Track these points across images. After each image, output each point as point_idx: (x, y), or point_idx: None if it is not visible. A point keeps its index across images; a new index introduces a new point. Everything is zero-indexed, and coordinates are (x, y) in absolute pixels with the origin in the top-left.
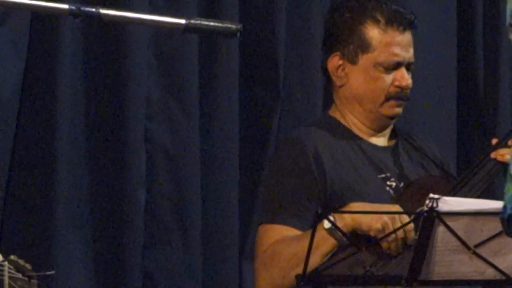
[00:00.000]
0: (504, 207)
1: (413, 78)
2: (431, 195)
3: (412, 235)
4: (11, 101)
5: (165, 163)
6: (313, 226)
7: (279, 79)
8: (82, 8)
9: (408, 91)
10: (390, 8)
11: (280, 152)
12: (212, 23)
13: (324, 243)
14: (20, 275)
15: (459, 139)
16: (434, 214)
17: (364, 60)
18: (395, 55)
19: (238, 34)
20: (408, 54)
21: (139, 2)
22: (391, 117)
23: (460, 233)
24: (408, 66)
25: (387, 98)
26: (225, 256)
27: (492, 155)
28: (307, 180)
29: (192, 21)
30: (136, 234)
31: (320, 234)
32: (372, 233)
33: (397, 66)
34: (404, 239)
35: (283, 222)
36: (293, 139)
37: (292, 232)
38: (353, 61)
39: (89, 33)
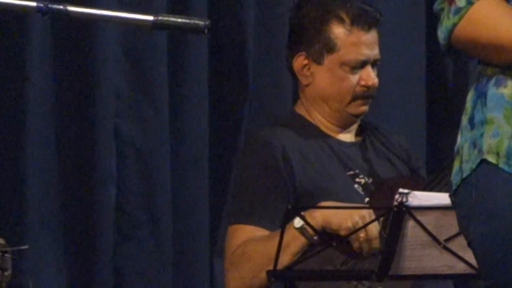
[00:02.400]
0: (450, 183)
1: (382, 72)
2: (401, 190)
3: (377, 243)
4: None
5: (135, 159)
6: (283, 223)
7: (248, 75)
8: (50, 6)
9: (375, 89)
10: (355, 6)
11: (248, 152)
12: (180, 20)
13: (294, 242)
14: None
15: (429, 134)
16: (404, 208)
17: (330, 60)
18: (361, 54)
19: (206, 30)
20: (373, 52)
21: None
22: (358, 116)
23: (430, 227)
24: (373, 64)
25: (354, 98)
26: (196, 253)
27: None
28: (275, 180)
29: (160, 18)
30: (107, 230)
31: (290, 233)
32: (342, 232)
33: (363, 65)
34: (374, 240)
35: (253, 222)
36: (260, 138)
37: (262, 232)
38: (318, 61)
39: (57, 30)
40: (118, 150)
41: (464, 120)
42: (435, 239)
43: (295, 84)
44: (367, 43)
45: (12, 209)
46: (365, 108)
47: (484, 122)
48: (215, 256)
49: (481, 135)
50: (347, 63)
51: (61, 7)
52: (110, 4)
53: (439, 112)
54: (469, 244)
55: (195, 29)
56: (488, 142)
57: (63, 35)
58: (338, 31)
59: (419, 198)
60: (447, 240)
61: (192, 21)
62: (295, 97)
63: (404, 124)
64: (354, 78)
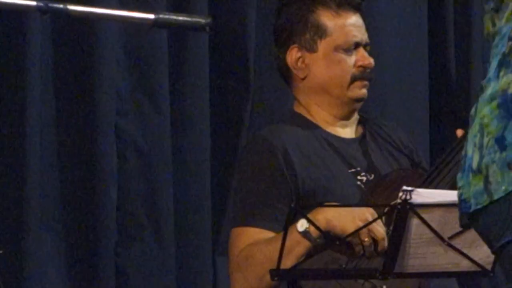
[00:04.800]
0: (465, 201)
1: (384, 66)
2: (404, 187)
3: (385, 244)
4: None
5: (137, 159)
6: (286, 223)
7: (250, 74)
8: (50, 5)
9: (372, 70)
10: None
11: (249, 153)
12: (181, 18)
13: (298, 245)
14: None
15: (431, 128)
16: (408, 206)
17: (323, 45)
18: (353, 36)
19: (208, 28)
20: (364, 35)
21: None
22: (359, 100)
23: (434, 225)
24: (365, 47)
25: (353, 80)
26: (199, 252)
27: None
28: (277, 180)
29: (161, 16)
30: (109, 230)
31: (294, 236)
32: (346, 236)
33: (356, 47)
34: (381, 241)
35: (255, 224)
36: (261, 139)
37: (265, 234)
38: (312, 49)
39: (57, 29)
40: (119, 150)
41: (487, 139)
42: (439, 236)
43: (288, 84)
44: (355, 25)
45: (13, 210)
46: (364, 91)
47: None
48: (217, 255)
49: None
50: (341, 45)
51: (61, 6)
52: (110, 3)
53: (442, 107)
54: (497, 251)
55: (197, 27)
56: None
57: (63, 34)
58: (326, 15)
59: (423, 195)
60: (452, 237)
61: (193, 19)
62: None
63: (407, 119)
64: (350, 60)
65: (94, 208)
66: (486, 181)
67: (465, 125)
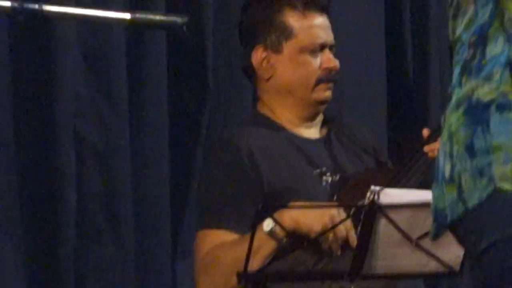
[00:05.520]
0: (441, 211)
1: (343, 66)
2: (372, 188)
3: (353, 235)
4: None
5: (95, 161)
6: (253, 224)
7: (208, 75)
8: (25, 5)
9: (337, 72)
10: None
11: (214, 155)
12: (157, 17)
13: (264, 245)
14: None
15: (389, 127)
16: (376, 207)
17: (289, 47)
18: (319, 37)
19: (185, 27)
20: (329, 36)
21: None
22: (323, 102)
23: (402, 225)
24: (331, 49)
25: (317, 82)
26: (158, 256)
27: (426, 148)
28: (242, 182)
29: (137, 16)
30: (68, 234)
31: (260, 236)
32: (312, 235)
33: (321, 48)
34: (345, 238)
35: (221, 226)
36: (226, 140)
37: (231, 236)
38: (277, 50)
39: (15, 29)
40: (78, 152)
41: (456, 147)
42: (407, 237)
43: (252, 84)
44: (322, 26)
45: None
46: (329, 93)
47: (490, 150)
48: (177, 259)
49: (489, 164)
50: (307, 47)
51: (36, 6)
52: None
53: (400, 106)
54: (479, 259)
55: (173, 26)
56: (500, 169)
57: (21, 34)
58: (292, 17)
59: (391, 195)
60: (420, 238)
61: (169, 18)
62: (254, 96)
63: (365, 118)
64: (315, 62)
65: (52, 211)
66: (460, 190)
67: (424, 124)
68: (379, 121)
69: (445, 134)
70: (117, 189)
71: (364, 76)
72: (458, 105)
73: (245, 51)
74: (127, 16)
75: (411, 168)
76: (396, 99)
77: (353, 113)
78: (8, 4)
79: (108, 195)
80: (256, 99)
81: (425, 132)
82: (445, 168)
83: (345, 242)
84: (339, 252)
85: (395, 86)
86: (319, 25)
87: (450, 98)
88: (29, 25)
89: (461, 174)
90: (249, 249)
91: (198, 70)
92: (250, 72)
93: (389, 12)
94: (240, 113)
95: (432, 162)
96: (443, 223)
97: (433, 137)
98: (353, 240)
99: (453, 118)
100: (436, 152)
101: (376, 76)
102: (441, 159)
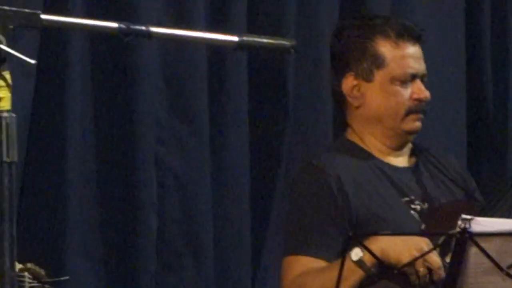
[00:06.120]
0: None
1: None
2: (464, 216)
3: (441, 273)
4: (23, 119)
5: (176, 187)
6: (343, 251)
7: (288, 101)
8: (132, 26)
9: (427, 103)
10: (399, 22)
11: (302, 181)
12: (265, 40)
13: (352, 275)
14: (36, 283)
15: (469, 157)
16: (467, 235)
17: (380, 76)
18: (410, 67)
19: (293, 50)
20: (421, 66)
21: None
22: (412, 132)
23: (492, 254)
24: (422, 79)
25: (407, 113)
26: (238, 282)
27: None
28: (331, 209)
29: (245, 38)
30: (148, 259)
31: (348, 265)
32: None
33: (412, 78)
34: (438, 270)
35: (309, 253)
36: (314, 166)
37: (318, 263)
38: (368, 79)
39: (97, 53)
40: (159, 178)
41: None
42: (497, 265)
43: (341, 111)
44: (414, 57)
45: (53, 238)
46: (419, 124)
47: None
48: (257, 285)
49: None
50: (398, 77)
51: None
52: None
53: (480, 135)
54: None
55: (281, 49)
56: None
57: (102, 59)
58: (385, 46)
59: (482, 224)
60: (510, 266)
61: (277, 41)
62: (335, 122)
63: (445, 146)
64: (406, 92)
65: (134, 237)
66: None
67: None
68: (459, 150)
69: None
70: (198, 214)
71: (444, 108)
72: None
73: (336, 78)
74: (235, 39)
75: (499, 201)
76: (476, 132)
77: (432, 140)
78: (115, 25)
79: (189, 220)
80: (343, 125)
81: None
82: None
83: (432, 273)
84: (427, 282)
85: (475, 119)
86: (411, 55)
87: None
88: (110, 49)
89: None
90: (339, 277)
91: (278, 95)
92: (339, 99)
93: (470, 42)
94: (319, 138)
95: None
96: None
97: None
98: (440, 272)
99: None
100: None
101: (456, 108)
102: None
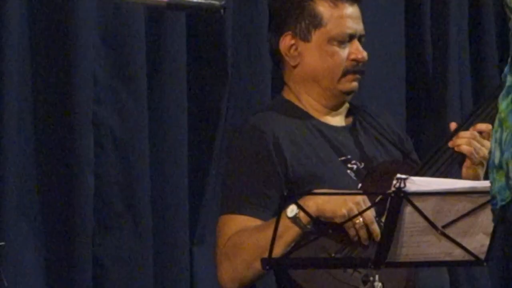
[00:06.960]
0: (493, 197)
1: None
2: (399, 175)
3: (375, 228)
4: None
5: (114, 147)
6: (279, 211)
7: (227, 62)
8: None
9: (365, 63)
10: None
11: (238, 140)
12: (195, 0)
13: (288, 232)
14: None
15: (408, 120)
16: (402, 194)
17: (317, 36)
18: (348, 28)
19: (223, 10)
20: (359, 26)
21: None
22: (349, 92)
23: (428, 213)
24: (360, 39)
25: (344, 73)
26: (176, 241)
27: (450, 144)
28: (267, 168)
29: None
30: (86, 219)
31: (284, 222)
32: (337, 220)
33: (350, 39)
34: (371, 225)
35: (244, 212)
36: (251, 126)
37: (254, 222)
38: (306, 38)
39: (34, 14)
40: (96, 138)
41: (505, 134)
42: (433, 225)
43: (279, 70)
44: (352, 17)
45: None
46: (355, 84)
47: None
48: (195, 245)
49: None
50: (335, 37)
51: None
52: None
53: (419, 95)
54: None
55: (211, 9)
56: None
57: (40, 20)
58: (323, 5)
59: (417, 183)
60: (445, 226)
61: (207, 1)
62: (275, 85)
63: (384, 105)
64: (343, 53)
65: (71, 197)
66: (508, 177)
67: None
68: (398, 111)
69: (496, 121)
70: (136, 175)
71: (384, 67)
72: (508, 93)
73: (273, 36)
74: None
75: (437, 161)
76: (415, 92)
77: (371, 103)
78: None
79: (126, 181)
80: (281, 84)
81: (453, 125)
82: (495, 154)
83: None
84: (367, 241)
85: (414, 78)
86: (349, 15)
87: (501, 86)
88: (48, 6)
89: (508, 162)
90: (274, 235)
91: (217, 57)
92: (277, 58)
93: (409, 1)
94: (259, 99)
95: (457, 157)
96: (494, 209)
97: (459, 129)
98: (376, 230)
99: (503, 105)
100: (461, 147)
101: (396, 66)
102: (492, 145)
